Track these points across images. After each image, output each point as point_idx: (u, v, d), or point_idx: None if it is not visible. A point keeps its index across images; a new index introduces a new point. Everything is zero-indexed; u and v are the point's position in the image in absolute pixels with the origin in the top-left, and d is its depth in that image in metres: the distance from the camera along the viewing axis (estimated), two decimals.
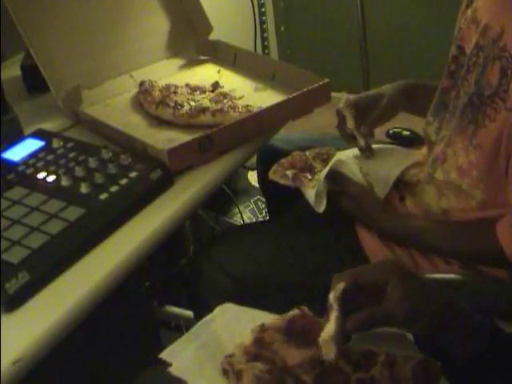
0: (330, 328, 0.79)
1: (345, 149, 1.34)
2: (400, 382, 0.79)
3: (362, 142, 1.25)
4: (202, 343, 0.85)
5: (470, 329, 0.81)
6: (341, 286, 0.81)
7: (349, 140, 1.29)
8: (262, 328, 0.84)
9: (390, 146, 1.39)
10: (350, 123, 1.26)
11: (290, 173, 1.23)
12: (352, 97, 1.29)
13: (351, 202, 1.20)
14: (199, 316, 1.31)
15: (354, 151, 1.29)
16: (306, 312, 0.86)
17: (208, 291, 1.25)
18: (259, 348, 0.82)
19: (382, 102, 1.28)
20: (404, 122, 1.42)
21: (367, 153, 1.27)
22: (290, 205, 1.38)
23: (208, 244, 1.38)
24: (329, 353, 0.78)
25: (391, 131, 1.47)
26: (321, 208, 1.17)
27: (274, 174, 1.26)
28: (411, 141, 1.42)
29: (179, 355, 0.84)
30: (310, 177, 1.22)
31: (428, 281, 0.86)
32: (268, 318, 0.87)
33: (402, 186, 1.24)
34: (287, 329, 0.84)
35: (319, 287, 1.23)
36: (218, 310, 0.90)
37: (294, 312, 0.86)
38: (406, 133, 1.45)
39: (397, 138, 1.46)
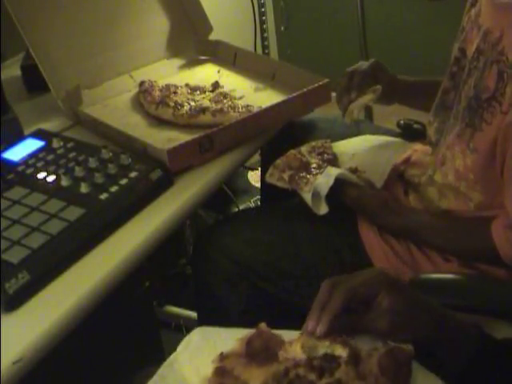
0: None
1: (350, 131, 1.39)
2: (367, 377, 0.78)
3: (348, 120, 1.30)
4: None
5: (457, 340, 0.83)
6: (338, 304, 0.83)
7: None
8: (221, 357, 0.84)
9: (385, 137, 1.41)
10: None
11: (285, 175, 1.24)
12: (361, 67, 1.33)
13: (351, 202, 1.22)
14: (200, 299, 1.33)
15: (349, 154, 1.31)
16: (263, 329, 0.86)
17: (210, 272, 1.27)
18: (221, 378, 0.82)
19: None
20: (416, 115, 1.43)
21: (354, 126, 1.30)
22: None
23: (211, 226, 1.39)
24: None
25: (402, 122, 1.47)
26: (321, 211, 1.18)
27: (270, 177, 1.26)
28: (420, 134, 1.42)
29: None
30: (305, 178, 1.22)
31: (416, 294, 0.87)
32: (231, 338, 0.87)
33: (405, 181, 1.25)
34: (247, 351, 0.84)
35: (317, 279, 1.24)
36: (181, 346, 0.90)
37: (251, 332, 0.86)
38: (416, 126, 1.45)
39: (406, 130, 1.46)
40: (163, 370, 0.87)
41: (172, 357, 0.88)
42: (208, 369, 0.83)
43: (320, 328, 0.83)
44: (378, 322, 0.83)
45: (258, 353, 0.84)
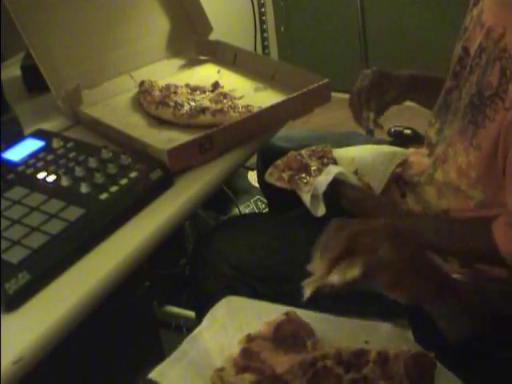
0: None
1: (341, 146, 1.37)
2: (393, 378, 0.78)
3: (370, 126, 1.31)
4: (191, 359, 0.84)
5: (458, 310, 0.83)
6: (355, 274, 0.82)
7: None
8: (249, 338, 0.83)
9: (384, 145, 1.41)
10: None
11: (285, 175, 1.24)
12: (362, 83, 1.32)
13: (350, 204, 1.21)
14: (199, 304, 1.33)
15: (349, 158, 1.31)
16: (293, 316, 0.86)
17: (208, 277, 1.27)
18: (247, 359, 0.81)
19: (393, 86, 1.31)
20: (406, 121, 1.44)
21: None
22: (291, 202, 1.38)
23: (209, 231, 1.39)
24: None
25: (393, 129, 1.48)
26: (318, 212, 1.18)
27: (270, 177, 1.27)
28: (412, 139, 1.43)
29: (168, 374, 0.83)
30: (305, 179, 1.22)
31: (421, 249, 0.86)
32: (257, 317, 0.87)
33: (402, 183, 1.25)
34: (274, 335, 0.83)
35: None
36: (205, 321, 0.90)
37: (281, 318, 0.85)
38: (407, 131, 1.47)
39: (398, 137, 1.47)
40: (186, 344, 0.86)
41: (196, 331, 0.88)
42: (232, 348, 0.83)
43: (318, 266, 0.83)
44: (380, 276, 0.80)
45: (286, 339, 0.84)
